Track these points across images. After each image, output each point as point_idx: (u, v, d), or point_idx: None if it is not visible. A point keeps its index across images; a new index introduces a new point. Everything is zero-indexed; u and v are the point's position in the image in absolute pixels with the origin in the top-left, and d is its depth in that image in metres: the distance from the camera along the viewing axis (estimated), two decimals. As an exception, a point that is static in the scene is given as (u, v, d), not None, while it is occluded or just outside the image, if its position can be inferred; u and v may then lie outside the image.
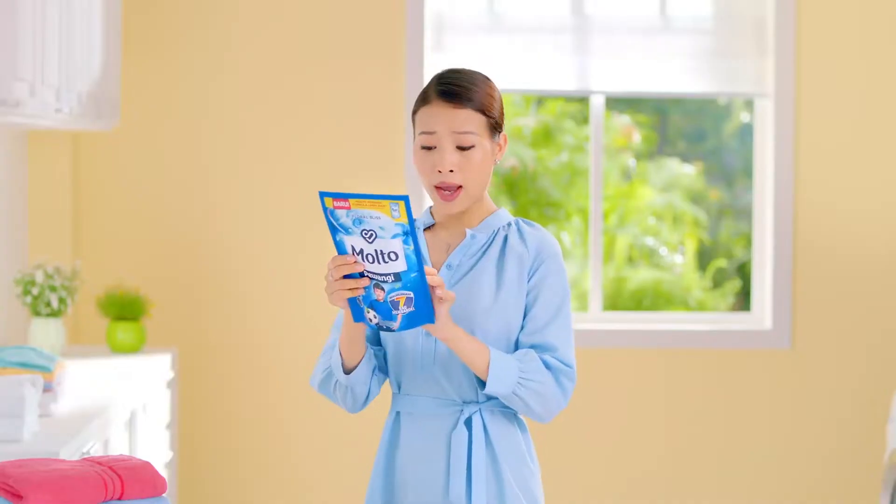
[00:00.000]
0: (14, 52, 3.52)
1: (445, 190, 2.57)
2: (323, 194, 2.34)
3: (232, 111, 5.20)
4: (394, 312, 2.40)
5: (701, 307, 5.80)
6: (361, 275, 2.39)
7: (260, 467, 5.25)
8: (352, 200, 2.32)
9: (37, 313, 4.50)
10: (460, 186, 2.58)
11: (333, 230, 2.37)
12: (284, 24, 5.21)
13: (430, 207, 2.71)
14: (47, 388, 3.52)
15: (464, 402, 2.60)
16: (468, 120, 2.57)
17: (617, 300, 5.75)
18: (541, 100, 5.81)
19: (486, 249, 2.64)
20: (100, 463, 2.30)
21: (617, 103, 5.69)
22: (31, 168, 4.99)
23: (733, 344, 5.37)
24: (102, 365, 4.46)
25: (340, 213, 2.34)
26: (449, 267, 2.62)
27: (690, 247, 5.86)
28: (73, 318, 5.10)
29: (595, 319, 5.42)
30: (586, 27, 5.31)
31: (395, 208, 2.30)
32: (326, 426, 5.24)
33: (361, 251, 2.37)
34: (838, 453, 5.33)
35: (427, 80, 5.22)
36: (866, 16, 5.34)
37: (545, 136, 5.83)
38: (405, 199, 2.30)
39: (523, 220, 2.68)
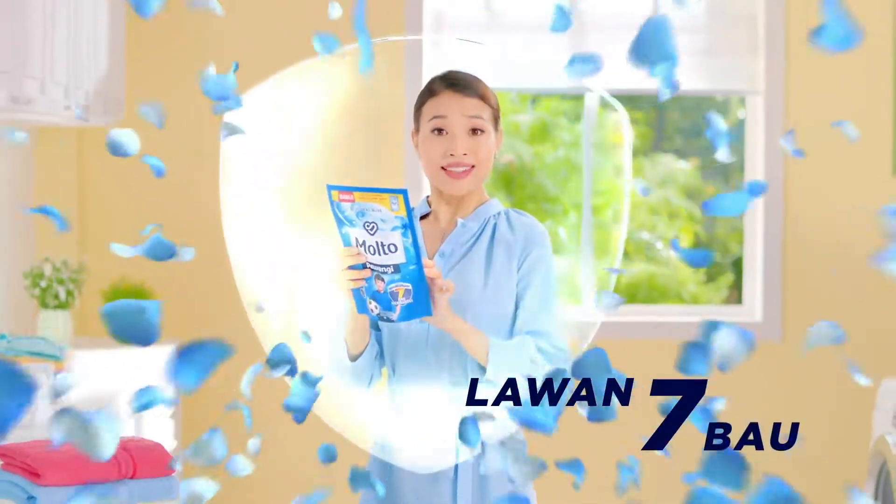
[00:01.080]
0: (25, 51, 3.61)
1: (456, 167, 2.66)
2: (330, 187, 2.44)
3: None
4: (393, 303, 2.48)
5: (695, 301, 5.86)
6: (364, 266, 2.49)
7: (261, 456, 5.33)
8: (356, 193, 2.41)
9: (45, 305, 4.59)
10: (473, 166, 2.68)
11: (339, 222, 2.46)
12: (285, 22, 5.28)
13: (427, 196, 2.80)
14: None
15: (453, 385, 2.69)
16: (477, 106, 2.67)
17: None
18: (536, 97, 5.87)
19: (477, 238, 2.72)
20: (113, 443, 2.41)
21: (619, 99, 5.76)
22: (36, 164, 5.06)
23: (725, 336, 5.44)
24: (108, 355, 4.55)
25: (345, 205, 2.43)
26: (442, 255, 2.71)
27: (685, 241, 5.91)
28: (79, 310, 5.19)
29: (589, 312, 5.49)
30: (581, 25, 5.35)
31: (394, 201, 2.39)
32: (327, 416, 5.33)
33: (364, 243, 2.45)
34: (826, 441, 5.39)
35: (426, 76, 5.31)
36: (856, 14, 5.40)
37: (542, 133, 5.89)
38: (404, 192, 2.38)
39: (514, 210, 2.76)
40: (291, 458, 5.37)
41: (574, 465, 1.91)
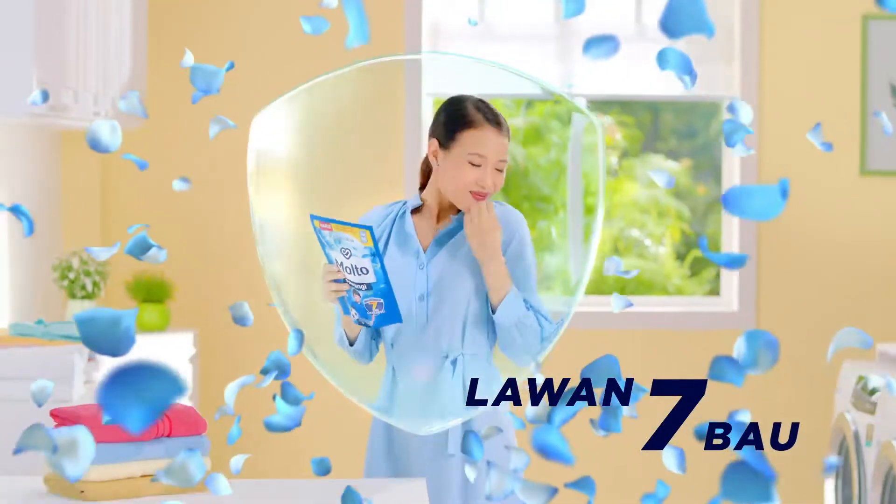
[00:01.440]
0: (62, 62, 3.91)
1: (482, 192, 2.99)
2: (313, 217, 2.84)
3: (244, 111, 5.48)
4: (369, 313, 2.91)
5: (679, 293, 6.03)
6: (344, 281, 2.89)
7: (274, 438, 5.48)
8: (333, 225, 2.82)
9: (73, 296, 4.84)
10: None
11: (322, 245, 2.88)
12: (292, 32, 5.44)
13: (420, 192, 3.11)
14: (90, 358, 3.88)
15: (449, 352, 3.00)
16: (506, 147, 3.02)
17: (601, 287, 6.02)
18: (529, 102, 6.08)
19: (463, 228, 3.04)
20: (151, 406, 2.72)
21: (611, 104, 5.93)
22: (63, 165, 5.27)
23: (704, 325, 5.59)
24: (132, 342, 4.83)
25: (325, 232, 2.84)
26: (438, 244, 3.04)
27: (672, 238, 6.09)
28: (105, 300, 5.35)
29: (578, 303, 5.70)
30: (569, 35, 5.53)
31: (362, 234, 2.79)
32: (337, 398, 5.56)
33: (342, 263, 2.87)
34: (796, 418, 5.50)
35: (425, 84, 5.54)
36: (825, 23, 5.54)
37: (535, 136, 6.09)
38: (370, 228, 2.78)
39: (494, 202, 3.06)
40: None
41: (584, 484, 1.76)
